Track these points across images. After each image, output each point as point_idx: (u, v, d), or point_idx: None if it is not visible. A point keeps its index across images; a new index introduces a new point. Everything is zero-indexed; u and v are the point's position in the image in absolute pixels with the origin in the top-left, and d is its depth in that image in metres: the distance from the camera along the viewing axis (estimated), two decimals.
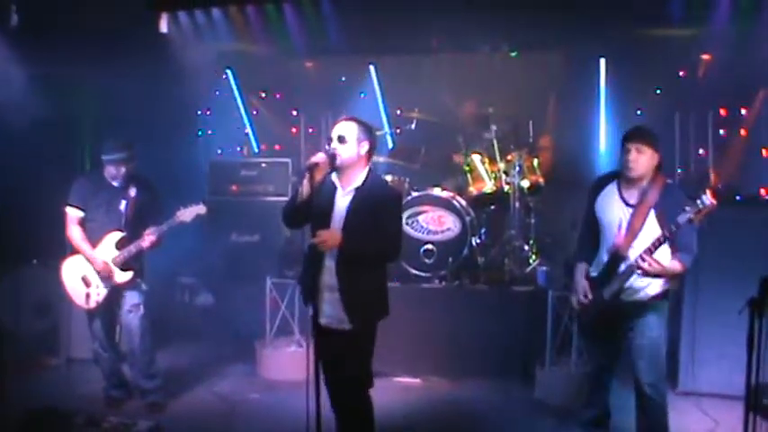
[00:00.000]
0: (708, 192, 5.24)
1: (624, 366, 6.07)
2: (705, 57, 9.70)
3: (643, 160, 5.64)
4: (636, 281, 5.69)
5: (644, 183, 5.71)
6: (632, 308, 5.79)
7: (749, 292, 4.80)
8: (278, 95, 11.67)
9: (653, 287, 5.72)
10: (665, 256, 5.60)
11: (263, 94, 11.72)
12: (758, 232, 7.25)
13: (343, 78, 11.37)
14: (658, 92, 9.99)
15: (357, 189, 5.33)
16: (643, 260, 5.46)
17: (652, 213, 5.61)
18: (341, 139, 5.28)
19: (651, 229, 5.57)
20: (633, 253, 5.61)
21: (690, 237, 5.54)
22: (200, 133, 11.73)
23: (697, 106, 9.83)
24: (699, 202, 5.23)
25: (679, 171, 9.89)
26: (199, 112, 11.71)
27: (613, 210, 5.82)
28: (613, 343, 6.05)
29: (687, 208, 5.28)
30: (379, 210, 5.27)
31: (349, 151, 5.29)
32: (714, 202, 5.20)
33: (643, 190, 5.69)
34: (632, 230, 5.65)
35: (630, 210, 5.71)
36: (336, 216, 5.34)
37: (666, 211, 5.49)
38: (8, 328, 8.21)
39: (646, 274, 5.52)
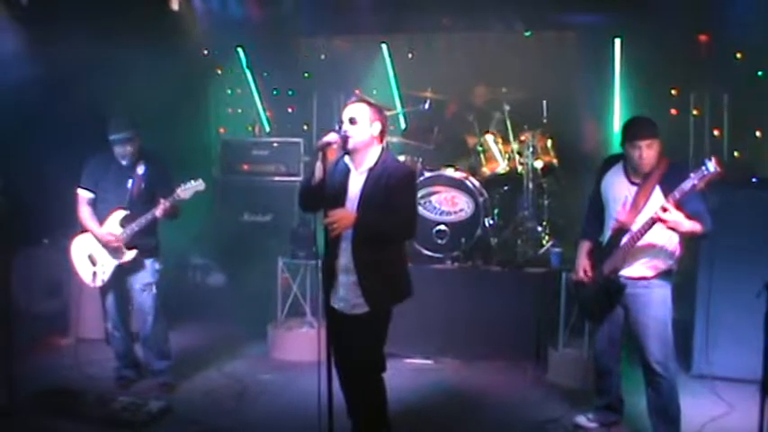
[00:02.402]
0: (713, 159, 5.19)
1: (635, 349, 6.03)
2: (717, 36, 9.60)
3: (654, 152, 5.65)
4: (637, 256, 5.74)
5: None
6: (633, 286, 5.81)
7: (765, 274, 4.77)
8: (289, 74, 11.60)
9: (654, 265, 5.76)
10: (667, 239, 5.68)
11: (275, 73, 11.64)
12: None
13: (356, 58, 11.32)
14: (673, 72, 9.89)
15: (370, 170, 5.32)
16: (664, 210, 5.35)
17: (657, 190, 5.62)
18: (352, 121, 5.26)
19: (656, 205, 5.50)
20: (636, 228, 5.64)
21: (699, 205, 5.51)
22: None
23: (712, 86, 9.73)
24: (703, 168, 5.19)
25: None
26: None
27: (619, 188, 5.86)
28: (613, 321, 6.05)
29: (692, 175, 5.24)
30: (391, 188, 5.24)
31: (361, 133, 5.27)
32: (719, 169, 5.15)
33: (651, 170, 5.71)
34: (636, 206, 5.69)
35: (635, 188, 5.75)
36: (351, 197, 5.33)
37: (672, 188, 5.41)
38: (19, 308, 8.21)
39: (664, 222, 5.40)
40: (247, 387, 7.41)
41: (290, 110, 11.64)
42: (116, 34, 8.46)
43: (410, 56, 11.04)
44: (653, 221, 5.46)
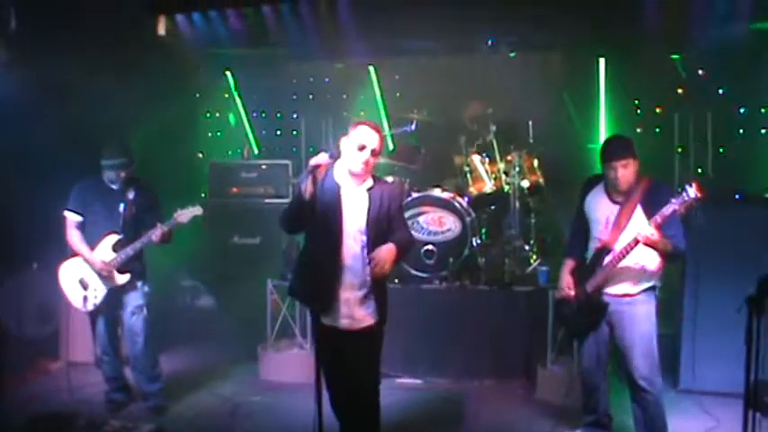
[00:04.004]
0: (693, 185, 5.30)
1: (622, 365, 6.10)
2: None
3: (629, 172, 5.75)
4: (620, 275, 5.82)
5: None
6: (616, 303, 5.90)
7: (749, 290, 4.82)
8: (278, 97, 11.66)
9: (637, 282, 5.83)
10: (650, 257, 5.74)
11: (262, 97, 11.70)
12: (758, 230, 7.24)
13: (343, 80, 11.39)
14: (658, 91, 9.99)
15: (369, 190, 5.42)
16: (644, 231, 5.48)
17: (639, 210, 5.73)
18: (373, 153, 5.34)
19: (637, 224, 5.65)
20: (619, 247, 5.73)
21: (676, 229, 5.64)
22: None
23: (696, 105, 9.83)
24: (684, 194, 5.31)
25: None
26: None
27: (601, 208, 5.95)
28: (599, 338, 6.09)
29: (673, 200, 5.36)
30: (393, 209, 5.46)
31: (375, 162, 5.43)
32: (699, 195, 5.27)
33: (630, 189, 5.81)
34: (618, 226, 5.78)
35: (617, 207, 5.84)
36: (348, 216, 5.38)
37: (653, 207, 5.56)
38: (9, 332, 8.20)
39: (647, 242, 5.52)
40: (238, 409, 7.41)
41: (278, 132, 11.67)
42: (104, 59, 8.49)
43: (397, 78, 11.12)
44: (636, 243, 5.55)
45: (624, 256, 5.69)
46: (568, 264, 6.26)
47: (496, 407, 7.47)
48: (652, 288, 5.89)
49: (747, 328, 4.72)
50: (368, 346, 5.48)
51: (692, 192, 5.27)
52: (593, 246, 5.97)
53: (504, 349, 8.10)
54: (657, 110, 10.15)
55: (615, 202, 5.86)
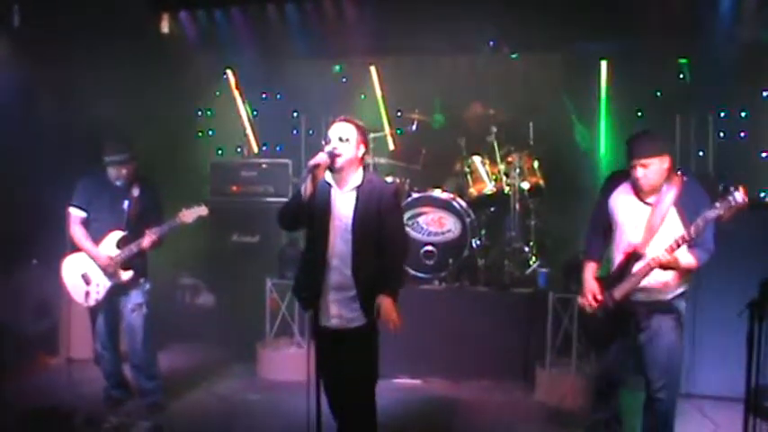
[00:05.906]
0: (740, 189, 5.01)
1: (635, 368, 5.91)
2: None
3: (652, 172, 5.40)
4: (650, 281, 5.50)
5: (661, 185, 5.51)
6: (645, 309, 5.61)
7: (750, 294, 4.80)
8: (278, 96, 11.63)
9: (667, 288, 5.55)
10: (681, 251, 5.39)
11: (264, 95, 11.67)
12: (759, 234, 7.24)
13: (344, 80, 11.37)
14: (659, 94, 9.98)
15: (358, 188, 5.37)
16: (664, 255, 5.28)
17: (673, 211, 5.41)
18: (341, 139, 5.32)
19: (671, 227, 5.38)
20: (650, 252, 5.42)
21: (708, 233, 5.34)
22: (199, 134, 11.72)
23: (698, 108, 9.82)
24: (730, 198, 5.01)
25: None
26: (199, 113, 11.72)
27: (630, 209, 5.59)
28: (623, 346, 5.82)
29: (717, 204, 5.07)
30: (384, 208, 5.35)
31: (349, 152, 5.33)
32: (746, 199, 4.99)
33: (652, 191, 5.50)
34: (650, 229, 5.44)
35: (648, 208, 5.51)
36: (337, 215, 5.36)
37: (688, 208, 5.31)
38: (8, 328, 8.20)
39: (661, 266, 5.34)
40: (236, 407, 7.43)
41: (278, 130, 11.64)
42: (107, 56, 8.50)
43: (398, 78, 11.10)
44: (654, 266, 5.35)
45: (648, 274, 5.43)
46: (590, 266, 5.89)
47: (495, 408, 7.49)
48: (682, 294, 5.62)
49: (749, 333, 4.71)
50: (361, 345, 5.45)
51: (738, 196, 4.99)
52: (623, 249, 5.59)
53: (503, 350, 8.11)
54: (658, 113, 10.13)
55: (646, 204, 5.53)
